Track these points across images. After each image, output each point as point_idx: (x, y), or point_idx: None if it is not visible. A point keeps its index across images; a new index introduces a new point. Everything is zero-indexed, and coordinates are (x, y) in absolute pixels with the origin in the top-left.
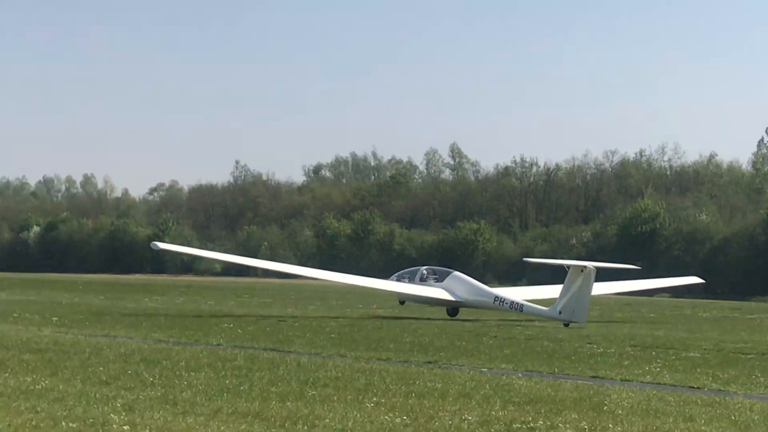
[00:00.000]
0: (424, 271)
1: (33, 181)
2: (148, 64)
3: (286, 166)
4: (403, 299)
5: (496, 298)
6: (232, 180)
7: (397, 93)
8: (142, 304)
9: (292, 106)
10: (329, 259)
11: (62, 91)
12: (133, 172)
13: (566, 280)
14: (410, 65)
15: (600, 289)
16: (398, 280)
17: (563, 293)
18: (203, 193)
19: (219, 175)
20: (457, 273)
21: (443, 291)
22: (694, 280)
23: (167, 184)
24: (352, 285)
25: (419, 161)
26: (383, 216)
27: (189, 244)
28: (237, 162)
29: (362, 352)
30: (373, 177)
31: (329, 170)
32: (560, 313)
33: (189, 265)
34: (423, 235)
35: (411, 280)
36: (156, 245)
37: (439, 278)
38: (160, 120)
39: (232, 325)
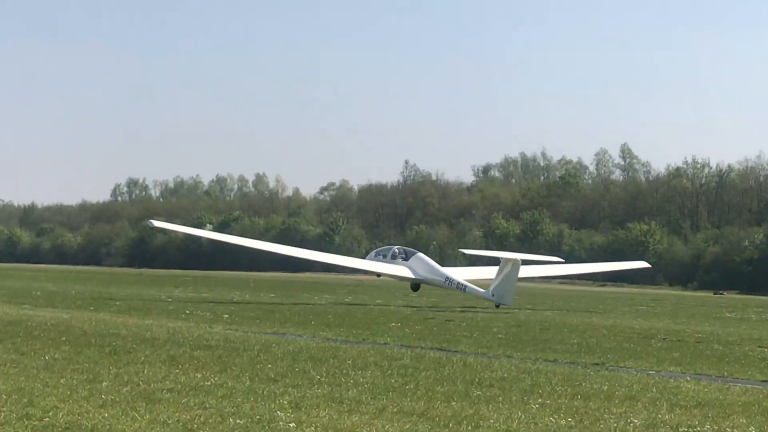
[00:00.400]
0: (396, 250)
1: (206, 180)
2: (315, 65)
3: (456, 166)
4: (378, 274)
5: (447, 278)
6: (401, 180)
7: (567, 93)
8: (312, 302)
9: (461, 105)
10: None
11: (235, 93)
12: (304, 172)
13: (498, 268)
14: (580, 64)
15: (552, 270)
16: (375, 255)
17: (495, 278)
18: (373, 193)
19: (389, 174)
20: (420, 254)
21: (406, 269)
22: (642, 264)
23: (338, 184)
24: (334, 264)
25: (589, 161)
26: (552, 216)
27: (359, 244)
28: (407, 162)
29: (529, 353)
30: (542, 177)
31: (498, 170)
32: (493, 295)
33: None
34: (592, 236)
35: (384, 258)
36: (150, 223)
37: (406, 258)
38: (330, 120)
39: (399, 324)
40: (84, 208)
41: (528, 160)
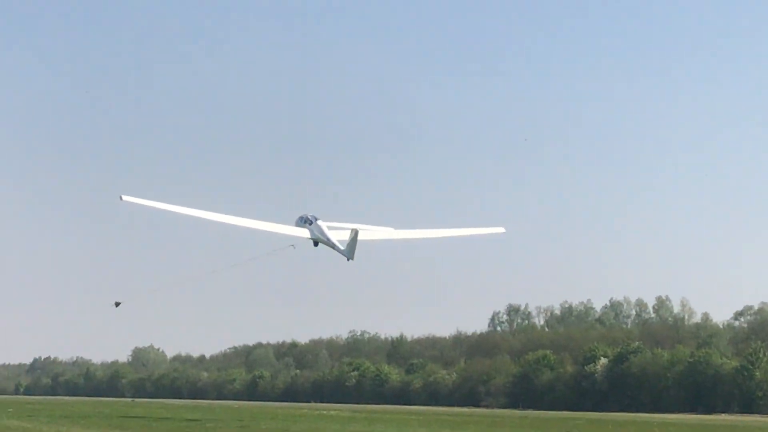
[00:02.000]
0: (309, 217)
1: (599, 305)
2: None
3: None
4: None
5: (328, 239)
6: None
7: None
8: None
9: None
10: None
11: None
12: (714, 293)
13: (348, 235)
14: None
15: (417, 234)
16: (298, 220)
17: (347, 242)
18: None
19: None
20: (320, 222)
21: (306, 231)
22: (498, 229)
23: (756, 307)
24: (256, 229)
25: None
26: None
27: None
28: None
29: None
30: None
31: None
32: (345, 251)
33: None
34: None
35: (299, 223)
36: (121, 197)
37: (311, 223)
38: (741, 228)
39: None
40: (459, 340)
41: None
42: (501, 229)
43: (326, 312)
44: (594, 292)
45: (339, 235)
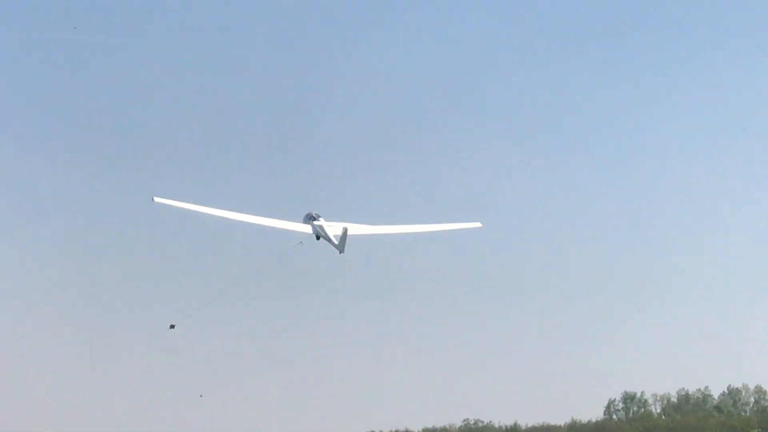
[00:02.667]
0: (313, 215)
1: (716, 392)
2: None
3: None
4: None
5: (326, 234)
6: None
7: None
8: None
9: None
10: None
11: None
12: None
13: (341, 231)
14: None
15: (393, 229)
16: (305, 218)
17: (339, 237)
18: None
19: None
20: (321, 219)
21: (308, 227)
22: (474, 224)
23: None
24: (266, 226)
25: None
26: None
27: None
28: None
29: None
30: None
31: None
32: (337, 245)
33: None
34: None
35: (305, 220)
36: (153, 199)
37: (315, 220)
38: None
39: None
40: (574, 428)
41: None
42: (477, 224)
43: (439, 399)
44: (711, 379)
45: (335, 230)
